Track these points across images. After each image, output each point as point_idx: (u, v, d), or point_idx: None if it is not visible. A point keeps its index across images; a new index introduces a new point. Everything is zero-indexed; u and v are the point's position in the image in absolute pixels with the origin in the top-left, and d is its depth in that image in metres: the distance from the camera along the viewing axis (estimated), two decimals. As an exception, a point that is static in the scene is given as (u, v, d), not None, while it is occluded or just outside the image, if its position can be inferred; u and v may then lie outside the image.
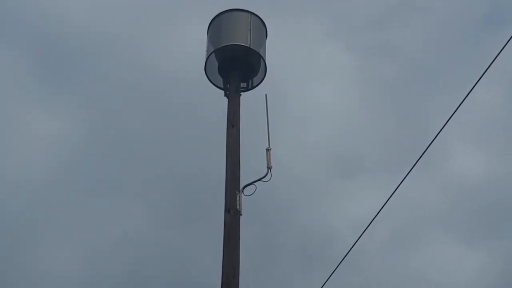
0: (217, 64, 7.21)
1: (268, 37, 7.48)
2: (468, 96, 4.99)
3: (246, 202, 6.34)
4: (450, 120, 5.09)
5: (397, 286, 15.21)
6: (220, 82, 7.29)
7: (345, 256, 5.40)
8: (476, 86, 4.95)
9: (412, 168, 5.03)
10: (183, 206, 14.88)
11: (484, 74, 4.77)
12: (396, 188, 5.15)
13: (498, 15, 18.63)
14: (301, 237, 14.39)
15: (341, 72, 17.94)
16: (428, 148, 5.26)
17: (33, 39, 18.02)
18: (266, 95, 7.06)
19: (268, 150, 6.60)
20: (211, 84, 7.33)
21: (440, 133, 5.20)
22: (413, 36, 18.65)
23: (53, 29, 17.68)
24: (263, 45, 7.30)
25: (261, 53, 7.17)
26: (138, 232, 15.45)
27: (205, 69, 7.20)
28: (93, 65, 17.44)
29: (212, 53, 7.12)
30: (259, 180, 6.34)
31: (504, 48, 4.64)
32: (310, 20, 17.03)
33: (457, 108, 4.72)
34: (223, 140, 6.71)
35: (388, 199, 5.16)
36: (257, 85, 7.29)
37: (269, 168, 6.45)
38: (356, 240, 5.38)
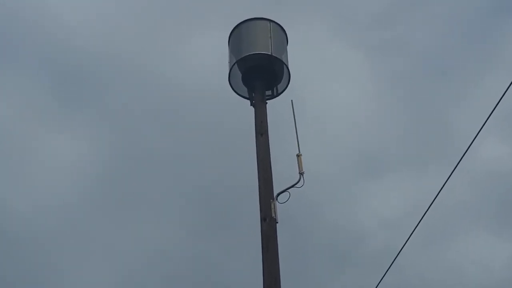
0: (240, 74, 7.21)
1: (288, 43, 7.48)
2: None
3: (279, 209, 6.33)
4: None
5: (436, 281, 15.11)
6: (244, 92, 7.30)
7: (394, 260, 5.37)
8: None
9: (452, 173, 4.97)
10: (216, 217, 14.91)
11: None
12: (438, 193, 5.10)
13: (504, 3, 18.45)
14: (332, 238, 14.36)
15: (352, 70, 17.95)
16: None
17: (50, 63, 18.27)
18: (292, 101, 7.01)
19: (298, 156, 6.56)
20: (235, 95, 7.33)
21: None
22: (420, 29, 18.58)
23: (70, 53, 17.89)
24: (284, 51, 7.27)
25: (284, 60, 7.14)
26: (172, 246, 15.51)
27: (229, 80, 7.21)
28: (114, 85, 17.64)
29: (234, 64, 7.11)
30: (292, 186, 6.29)
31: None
32: (315, 21, 17.05)
33: (492, 111, 4.65)
34: (253, 149, 6.71)
35: (430, 205, 5.12)
36: (282, 92, 7.27)
37: (301, 173, 6.39)
38: (402, 246, 5.33)
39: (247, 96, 7.24)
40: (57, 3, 18.16)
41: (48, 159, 17.59)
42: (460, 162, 5.23)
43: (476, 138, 4.99)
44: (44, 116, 18.00)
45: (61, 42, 17.77)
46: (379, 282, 5.49)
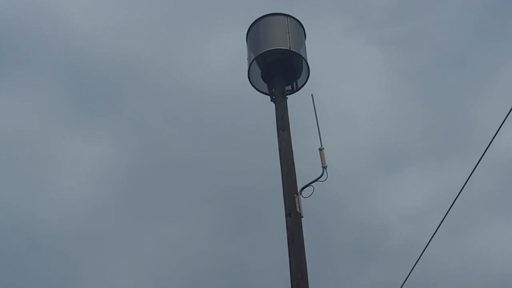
0: (259, 70, 7.20)
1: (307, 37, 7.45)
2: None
3: (303, 203, 6.31)
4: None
5: (461, 271, 15.00)
6: (264, 88, 7.28)
7: (420, 256, 5.33)
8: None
9: (477, 165, 4.92)
10: (241, 215, 14.96)
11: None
12: (463, 187, 5.06)
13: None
14: (355, 232, 14.33)
15: (369, 65, 17.89)
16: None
17: (71, 70, 18.44)
18: (312, 95, 6.99)
19: (321, 149, 6.54)
20: (255, 91, 7.31)
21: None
22: (435, 22, 18.44)
23: (90, 59, 18.04)
24: (303, 46, 7.24)
25: (302, 54, 7.09)
26: (198, 245, 15.58)
27: (248, 77, 7.21)
28: (134, 89, 17.76)
29: (253, 60, 7.10)
30: (316, 180, 6.29)
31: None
32: (329, 16, 17.01)
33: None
34: (275, 145, 6.70)
35: (455, 199, 5.08)
36: (302, 87, 7.24)
37: (324, 167, 6.38)
38: (427, 243, 5.29)
39: (267, 92, 7.22)
40: (76, 11, 18.32)
41: (72, 166, 17.78)
42: (480, 152, 5.20)
43: (496, 127, 4.95)
44: (67, 124, 18.20)
45: (81, 49, 17.99)
46: (408, 276, 5.45)
